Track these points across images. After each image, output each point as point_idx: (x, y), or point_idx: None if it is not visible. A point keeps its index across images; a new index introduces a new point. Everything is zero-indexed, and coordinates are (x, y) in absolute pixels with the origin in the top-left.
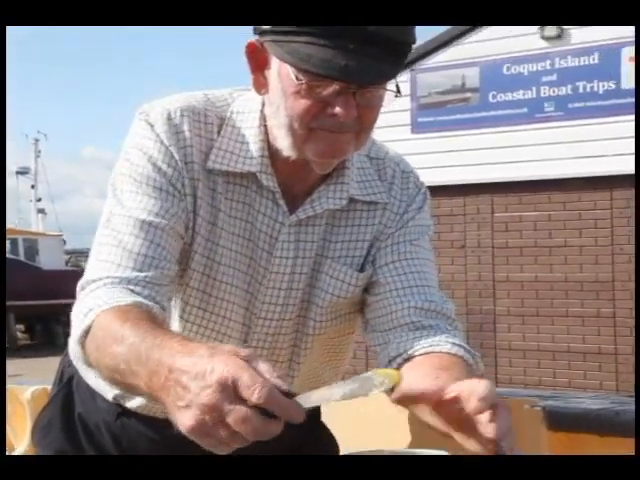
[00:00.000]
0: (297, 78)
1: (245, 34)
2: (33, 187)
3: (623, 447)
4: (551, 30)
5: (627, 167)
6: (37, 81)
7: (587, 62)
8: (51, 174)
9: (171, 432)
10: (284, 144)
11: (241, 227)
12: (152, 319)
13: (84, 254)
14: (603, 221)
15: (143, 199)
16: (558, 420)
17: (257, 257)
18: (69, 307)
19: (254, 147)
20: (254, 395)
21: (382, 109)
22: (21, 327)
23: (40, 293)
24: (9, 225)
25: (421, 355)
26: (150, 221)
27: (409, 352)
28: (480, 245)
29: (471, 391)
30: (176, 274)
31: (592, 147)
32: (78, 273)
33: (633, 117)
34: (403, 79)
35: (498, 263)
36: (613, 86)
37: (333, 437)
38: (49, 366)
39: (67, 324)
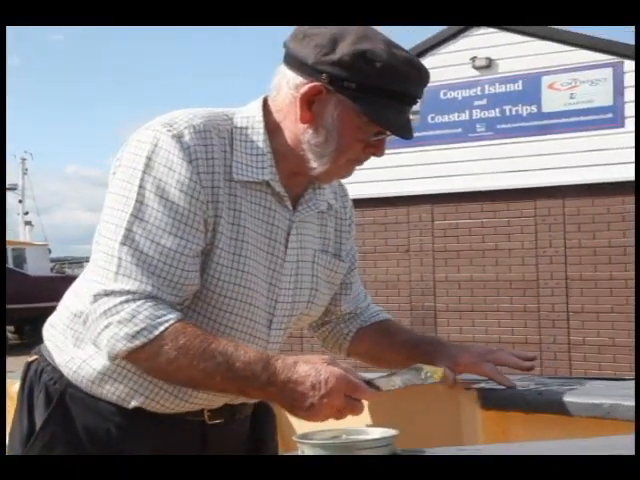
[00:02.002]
0: (365, 130)
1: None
2: (20, 202)
3: (546, 422)
4: (481, 60)
5: (548, 180)
6: (23, 105)
7: (512, 88)
8: (37, 190)
9: (190, 424)
10: (319, 168)
11: (262, 227)
12: (206, 333)
13: (67, 261)
14: (528, 227)
15: (167, 221)
16: (490, 400)
17: (276, 251)
18: (54, 310)
19: (264, 158)
20: (359, 395)
21: None
22: (11, 328)
23: (28, 297)
24: None
25: (372, 324)
26: (175, 248)
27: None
28: (422, 249)
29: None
30: (196, 287)
31: (518, 163)
32: (62, 279)
33: (553, 137)
34: None
35: (438, 265)
36: (535, 109)
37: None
38: None
39: None
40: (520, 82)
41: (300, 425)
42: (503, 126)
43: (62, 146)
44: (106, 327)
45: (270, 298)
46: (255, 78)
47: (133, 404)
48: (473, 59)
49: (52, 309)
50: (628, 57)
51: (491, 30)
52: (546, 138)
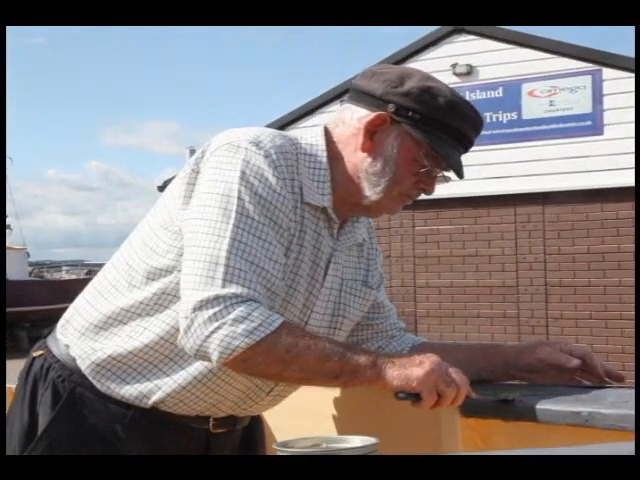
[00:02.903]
0: (420, 163)
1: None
2: None
3: (525, 430)
4: (462, 67)
5: (528, 187)
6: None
7: (493, 95)
8: (17, 193)
9: (196, 429)
10: (372, 197)
11: (309, 251)
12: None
13: (46, 265)
14: (508, 234)
15: (269, 233)
16: (469, 408)
17: (316, 275)
18: (32, 314)
19: (325, 186)
20: (451, 371)
21: None
22: None
23: (6, 301)
24: None
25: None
26: (275, 259)
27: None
28: (403, 255)
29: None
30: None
31: (498, 169)
32: (41, 283)
33: (533, 144)
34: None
35: (418, 271)
36: (515, 117)
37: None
38: (13, 367)
39: (30, 329)
40: (500, 89)
41: (281, 434)
42: (484, 133)
43: (43, 149)
44: (218, 328)
45: (301, 319)
46: (238, 83)
47: (152, 400)
48: (454, 66)
49: (31, 313)
50: (606, 65)
51: (472, 37)
52: (526, 145)
